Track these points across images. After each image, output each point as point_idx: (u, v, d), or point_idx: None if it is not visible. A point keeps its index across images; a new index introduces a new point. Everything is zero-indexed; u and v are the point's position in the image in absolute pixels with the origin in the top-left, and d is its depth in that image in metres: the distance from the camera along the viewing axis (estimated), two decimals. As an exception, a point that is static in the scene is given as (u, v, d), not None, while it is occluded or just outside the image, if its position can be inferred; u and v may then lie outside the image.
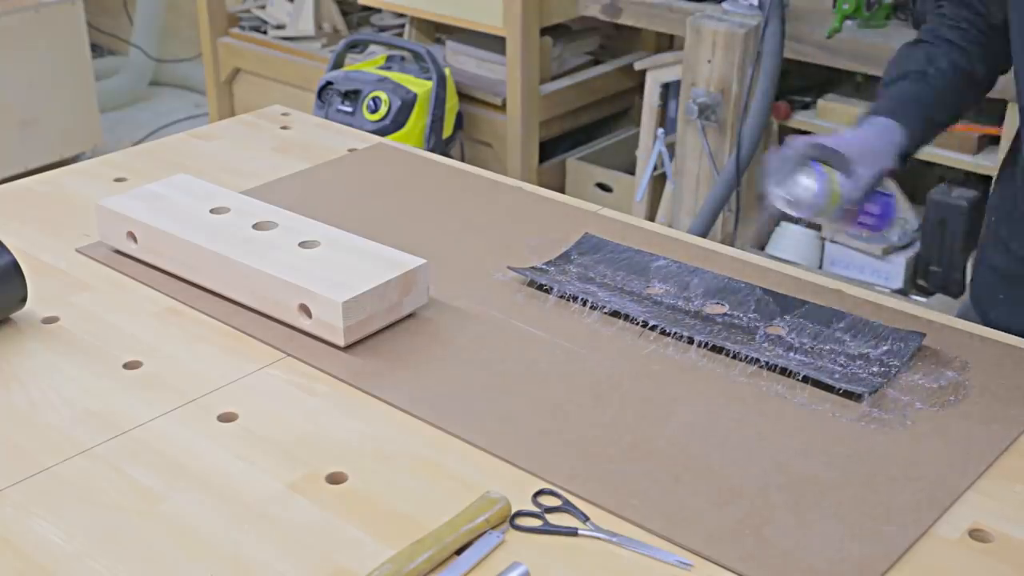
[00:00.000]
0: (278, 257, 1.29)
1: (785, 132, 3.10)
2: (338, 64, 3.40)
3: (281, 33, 3.79)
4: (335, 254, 1.30)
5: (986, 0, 1.37)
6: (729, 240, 2.87)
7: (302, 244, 1.32)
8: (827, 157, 1.27)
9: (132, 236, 1.40)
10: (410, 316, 1.30)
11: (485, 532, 0.96)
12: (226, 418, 1.12)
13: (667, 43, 3.43)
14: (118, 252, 1.43)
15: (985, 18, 1.38)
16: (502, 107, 3.24)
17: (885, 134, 1.32)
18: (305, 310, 1.24)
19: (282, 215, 1.39)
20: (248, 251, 1.30)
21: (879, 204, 1.32)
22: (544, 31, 3.20)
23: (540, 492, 1.01)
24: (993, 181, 1.48)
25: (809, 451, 1.07)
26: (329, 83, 3.21)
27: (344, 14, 3.83)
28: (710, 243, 1.51)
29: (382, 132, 3.03)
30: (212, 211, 1.39)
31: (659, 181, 3.10)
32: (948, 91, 1.37)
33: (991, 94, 1.42)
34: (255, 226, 1.36)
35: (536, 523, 0.98)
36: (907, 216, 2.94)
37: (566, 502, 1.00)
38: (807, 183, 1.26)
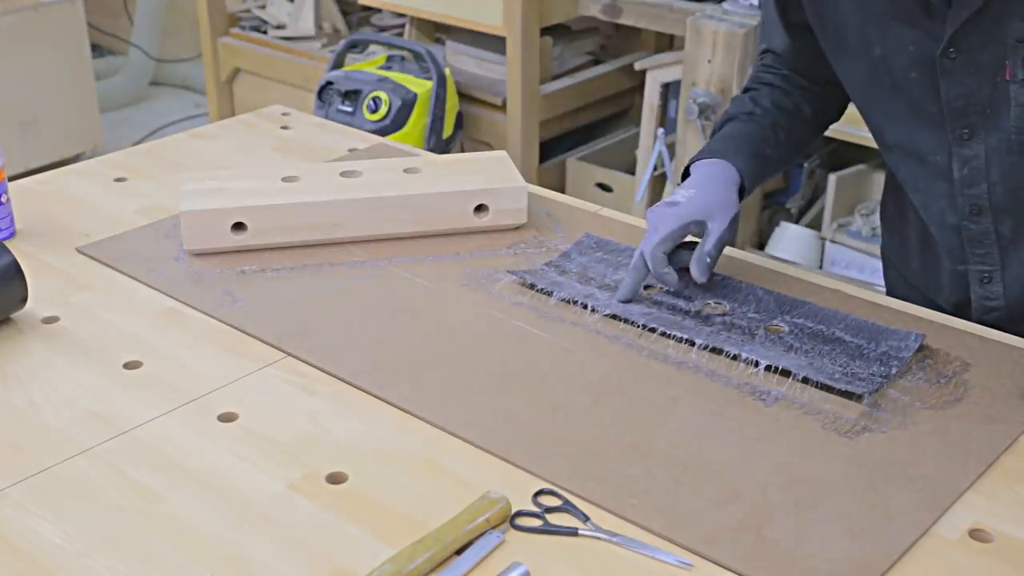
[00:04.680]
0: (412, 182, 1.48)
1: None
2: (338, 64, 3.40)
3: (281, 33, 3.79)
4: (443, 171, 1.51)
5: (803, 67, 1.43)
6: (729, 240, 2.86)
7: (407, 171, 1.51)
8: (679, 240, 1.30)
9: (240, 227, 1.42)
10: (409, 316, 1.30)
11: (485, 532, 0.96)
12: (226, 418, 1.12)
13: (667, 43, 3.43)
14: (204, 254, 1.42)
15: (804, 75, 1.44)
16: (502, 107, 3.24)
17: (721, 176, 1.34)
18: (482, 209, 1.47)
19: (345, 164, 1.53)
20: (385, 188, 1.46)
21: None
22: (544, 31, 3.19)
23: (540, 492, 1.01)
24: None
25: (809, 451, 1.07)
26: (329, 83, 3.21)
27: (344, 14, 3.83)
28: (710, 243, 1.50)
29: (382, 132, 3.03)
30: (284, 180, 1.48)
31: (659, 181, 3.10)
32: (776, 127, 1.41)
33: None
34: (343, 175, 1.50)
35: (536, 523, 0.98)
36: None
37: (566, 502, 1.00)
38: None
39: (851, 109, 1.40)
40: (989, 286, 1.33)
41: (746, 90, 1.46)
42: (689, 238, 1.31)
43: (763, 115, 1.41)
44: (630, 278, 1.31)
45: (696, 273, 1.28)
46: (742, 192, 1.36)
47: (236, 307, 1.32)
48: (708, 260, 1.28)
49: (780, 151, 1.41)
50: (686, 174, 1.37)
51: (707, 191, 1.32)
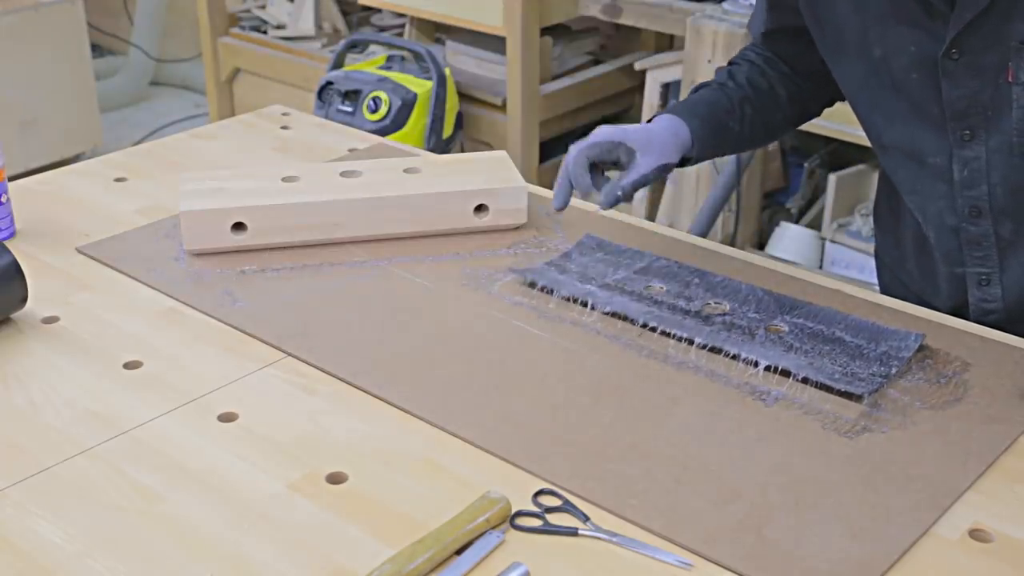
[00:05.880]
0: (412, 182, 1.48)
1: (785, 132, 3.09)
2: (338, 64, 3.40)
3: (281, 33, 3.79)
4: (443, 171, 1.51)
5: (785, 58, 1.45)
6: (729, 240, 2.87)
7: (407, 171, 1.51)
8: (606, 154, 1.33)
9: (240, 227, 1.42)
10: (409, 316, 1.30)
11: (485, 532, 0.96)
12: (226, 418, 1.12)
13: (667, 43, 3.43)
14: (204, 254, 1.42)
15: (789, 62, 1.45)
16: (502, 107, 3.24)
17: (670, 129, 1.36)
18: (482, 209, 1.47)
19: (345, 164, 1.53)
20: (385, 188, 1.46)
21: None
22: (544, 31, 3.20)
23: (540, 492, 1.01)
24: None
25: (809, 451, 1.07)
26: (329, 83, 3.21)
27: (344, 14, 3.83)
28: (710, 243, 1.51)
29: (382, 132, 3.03)
30: (284, 180, 1.48)
31: (659, 181, 3.10)
32: (744, 103, 1.41)
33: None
34: (343, 175, 1.50)
35: (536, 523, 0.98)
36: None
37: (566, 502, 1.00)
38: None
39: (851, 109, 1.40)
40: (987, 288, 1.32)
41: (730, 63, 1.48)
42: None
43: (735, 89, 1.42)
44: (560, 184, 1.34)
45: (601, 200, 1.32)
46: (688, 160, 1.39)
47: (236, 307, 1.32)
48: (619, 193, 1.31)
49: (744, 127, 1.42)
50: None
51: (653, 132, 1.35)
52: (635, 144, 1.32)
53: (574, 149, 1.33)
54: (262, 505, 1.00)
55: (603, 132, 1.35)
